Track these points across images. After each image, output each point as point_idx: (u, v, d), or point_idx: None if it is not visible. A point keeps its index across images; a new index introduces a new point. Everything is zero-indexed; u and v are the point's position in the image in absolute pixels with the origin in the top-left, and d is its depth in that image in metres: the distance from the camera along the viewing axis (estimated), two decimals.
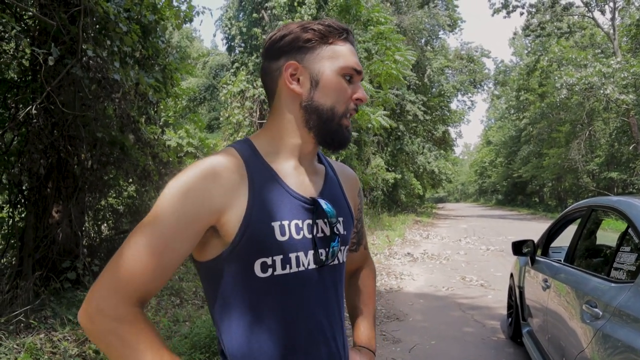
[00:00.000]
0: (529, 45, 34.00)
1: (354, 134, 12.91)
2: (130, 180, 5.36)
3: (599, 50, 25.37)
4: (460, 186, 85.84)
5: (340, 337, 1.04)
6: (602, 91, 19.72)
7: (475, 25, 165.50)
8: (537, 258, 3.90)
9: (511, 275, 4.93)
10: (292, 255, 0.94)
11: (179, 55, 5.71)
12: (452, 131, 32.65)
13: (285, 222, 0.94)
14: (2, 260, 5.59)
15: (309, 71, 0.99)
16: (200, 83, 19.17)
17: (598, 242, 3.26)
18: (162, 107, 5.69)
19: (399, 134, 22.36)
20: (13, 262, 5.57)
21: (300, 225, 0.96)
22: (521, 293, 4.28)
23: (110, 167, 5.11)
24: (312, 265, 0.97)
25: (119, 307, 0.83)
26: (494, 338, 4.73)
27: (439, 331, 4.95)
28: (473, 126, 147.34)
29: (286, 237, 0.93)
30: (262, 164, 0.97)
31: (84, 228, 5.92)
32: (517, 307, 4.41)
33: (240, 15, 12.89)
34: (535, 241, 4.06)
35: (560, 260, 3.34)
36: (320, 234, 0.99)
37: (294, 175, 1.00)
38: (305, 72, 0.99)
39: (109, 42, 4.39)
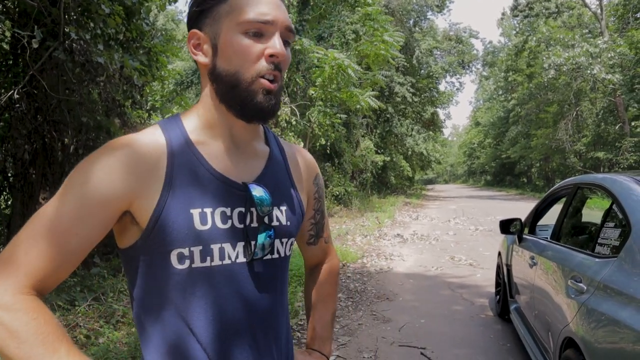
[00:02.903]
0: (517, 25, 33.96)
1: (343, 115, 12.87)
2: None
3: (587, 30, 25.42)
4: (449, 167, 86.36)
5: (278, 340, 0.94)
6: (589, 71, 19.83)
7: (464, 6, 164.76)
8: (524, 236, 3.95)
9: (499, 253, 5.00)
10: (215, 247, 0.83)
11: (164, 38, 5.59)
12: (441, 113, 32.72)
13: (208, 210, 0.83)
14: None
15: (209, 36, 0.86)
16: (187, 67, 18.90)
17: (584, 219, 3.31)
18: (148, 90, 5.61)
19: (388, 116, 22.37)
20: (0, 250, 5.53)
21: (229, 214, 0.85)
22: (509, 271, 4.35)
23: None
24: (242, 259, 0.86)
25: (7, 294, 0.72)
26: (482, 315, 4.81)
27: (429, 310, 5.02)
28: (462, 107, 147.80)
29: (207, 226, 0.82)
30: (187, 144, 0.86)
31: None
32: (504, 285, 4.48)
33: None
34: (523, 220, 4.11)
35: (547, 238, 3.39)
36: (254, 224, 0.88)
37: (225, 157, 0.88)
38: (206, 37, 0.86)
39: (92, 25, 4.30)
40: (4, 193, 5.53)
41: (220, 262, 0.84)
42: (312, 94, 10.86)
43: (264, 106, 0.86)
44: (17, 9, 4.83)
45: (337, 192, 14.65)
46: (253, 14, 0.83)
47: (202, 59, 0.88)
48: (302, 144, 10.32)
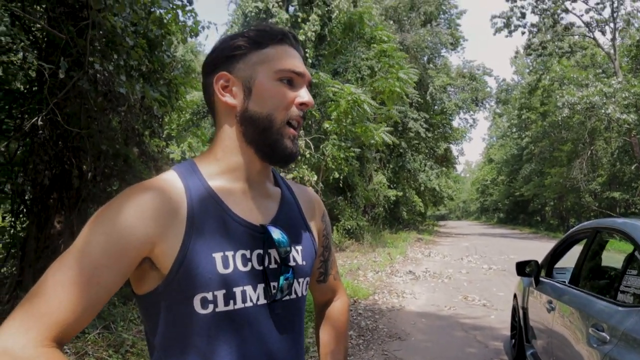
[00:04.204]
0: (531, 64, 34.25)
1: (356, 150, 12.93)
2: None
3: (600, 70, 25.53)
4: (462, 204, 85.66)
5: None
6: (603, 111, 19.78)
7: (478, 44, 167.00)
8: (541, 279, 3.87)
9: (514, 295, 4.89)
10: (237, 290, 0.83)
11: (183, 70, 5.75)
12: (454, 149, 32.70)
13: (230, 253, 0.84)
14: (2, 270, 5.56)
15: (241, 80, 0.90)
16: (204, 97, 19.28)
17: (603, 263, 3.24)
18: (166, 120, 5.71)
19: (401, 151, 22.40)
20: (14, 272, 5.55)
21: (249, 256, 0.86)
22: (525, 314, 4.24)
23: (113, 179, 5.11)
24: (262, 301, 0.87)
25: (29, 347, 0.71)
26: None
27: (442, 351, 4.89)
28: (475, 144, 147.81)
29: (230, 270, 0.83)
30: (204, 187, 0.87)
31: None
32: (520, 329, 4.36)
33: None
34: (539, 262, 4.03)
35: (565, 282, 3.31)
36: (273, 265, 0.89)
37: (242, 200, 0.90)
38: (238, 81, 0.90)
39: (115, 56, 4.42)
40: (21, 216, 5.58)
41: (242, 305, 0.85)
42: (327, 128, 10.95)
43: (292, 151, 0.91)
44: (45, 39, 5.00)
45: (349, 226, 14.56)
46: (289, 65, 0.90)
47: (231, 100, 0.91)
48: (315, 177, 10.35)
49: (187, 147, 7.04)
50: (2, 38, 4.69)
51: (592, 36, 24.76)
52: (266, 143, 0.90)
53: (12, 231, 5.56)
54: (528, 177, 35.65)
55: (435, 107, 26.38)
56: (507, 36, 25.56)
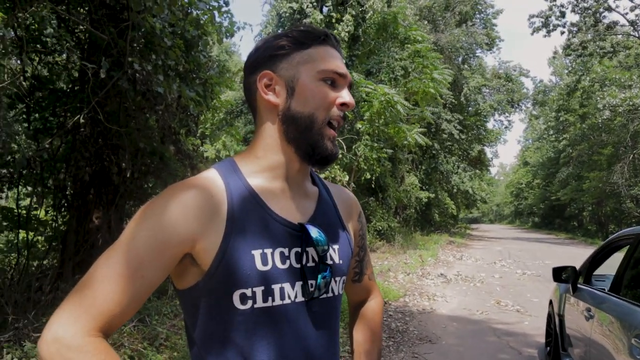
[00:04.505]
0: (570, 64, 33.23)
1: (389, 150, 12.85)
2: None
3: None
4: (495, 207, 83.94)
5: None
6: None
7: (514, 44, 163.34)
8: (579, 286, 3.75)
9: (550, 302, 4.76)
10: (276, 287, 0.85)
11: (219, 69, 5.84)
12: (488, 151, 32.07)
13: (268, 250, 0.85)
14: (44, 262, 5.78)
15: (284, 79, 0.91)
16: (238, 96, 19.52)
17: None
18: (201, 119, 5.82)
19: (434, 152, 22.13)
20: (55, 264, 5.76)
21: (287, 254, 0.87)
22: (561, 321, 4.12)
23: (150, 176, 5.23)
24: (300, 298, 0.88)
25: (77, 336, 0.74)
26: None
27: (473, 357, 4.80)
28: (510, 146, 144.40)
29: (268, 267, 0.84)
30: (244, 186, 0.89)
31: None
32: (556, 336, 4.24)
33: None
34: (577, 268, 3.91)
35: (605, 290, 3.20)
36: (311, 264, 0.90)
37: (281, 199, 0.91)
38: (281, 80, 0.91)
39: (154, 56, 4.53)
40: (62, 210, 5.79)
41: (280, 302, 0.86)
42: (360, 128, 10.92)
43: (332, 152, 0.92)
44: (88, 40, 5.17)
45: (380, 227, 14.48)
46: (332, 66, 0.92)
47: (274, 98, 0.92)
48: (347, 177, 10.34)
49: (222, 145, 7.15)
50: (48, 39, 4.88)
51: (637, 35, 23.82)
52: (307, 142, 0.91)
53: (53, 225, 5.77)
54: (565, 181, 34.62)
55: (470, 108, 25.96)
56: (545, 36, 24.87)
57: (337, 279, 0.95)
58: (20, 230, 5.67)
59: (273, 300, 0.85)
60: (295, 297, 0.88)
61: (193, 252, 0.83)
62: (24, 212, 5.63)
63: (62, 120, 5.05)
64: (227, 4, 5.40)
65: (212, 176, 0.89)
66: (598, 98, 21.35)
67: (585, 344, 3.18)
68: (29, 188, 5.60)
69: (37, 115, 5.42)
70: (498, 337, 5.60)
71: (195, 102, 4.91)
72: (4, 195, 5.98)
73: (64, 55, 5.38)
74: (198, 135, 6.49)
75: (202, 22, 5.43)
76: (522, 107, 32.99)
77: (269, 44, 0.94)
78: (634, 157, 24.50)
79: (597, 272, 3.97)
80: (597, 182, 26.40)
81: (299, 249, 0.89)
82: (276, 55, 0.92)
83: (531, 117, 45.46)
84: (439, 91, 12.32)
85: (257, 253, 0.84)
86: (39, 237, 5.96)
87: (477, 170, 29.32)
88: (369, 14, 12.22)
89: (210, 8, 5.20)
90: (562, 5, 23.79)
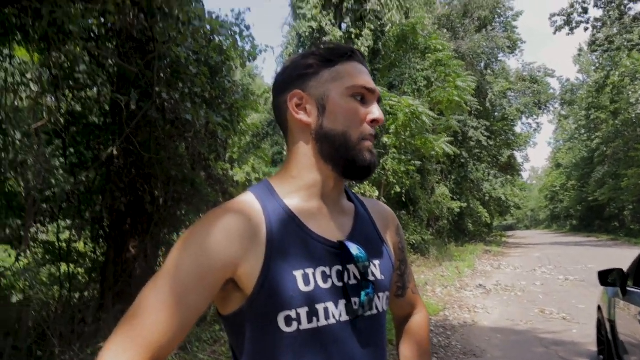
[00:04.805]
0: (597, 61, 32.45)
1: (417, 162, 12.73)
2: (202, 215, 5.55)
3: None
4: (530, 213, 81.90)
5: None
6: None
7: (537, 45, 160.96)
8: (629, 289, 3.59)
9: (599, 307, 4.57)
10: (320, 307, 0.84)
11: (243, 93, 5.93)
12: (518, 155, 31.41)
13: (310, 270, 0.84)
14: (85, 294, 5.90)
15: (315, 97, 0.91)
16: (263, 119, 19.79)
17: None
18: (229, 143, 5.90)
19: (463, 161, 21.82)
20: (96, 295, 5.87)
21: (328, 273, 0.86)
22: (613, 327, 3.94)
23: (182, 203, 5.31)
24: (345, 317, 0.86)
25: None
26: None
27: None
28: (540, 149, 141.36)
29: (311, 287, 0.83)
30: (281, 207, 0.88)
31: (158, 262, 6.17)
32: (609, 343, 4.05)
33: (300, 51, 13.30)
34: (625, 270, 3.74)
35: None
36: (353, 281, 0.89)
37: (318, 217, 0.91)
38: (311, 99, 0.91)
39: (181, 84, 4.63)
40: (100, 241, 5.92)
41: (326, 322, 0.84)
42: (386, 142, 10.87)
43: (371, 162, 0.92)
44: (117, 73, 5.34)
45: (414, 241, 14.28)
46: (361, 81, 0.91)
47: (305, 118, 0.92)
48: (376, 192, 10.27)
49: (251, 168, 7.23)
50: (80, 75, 5.06)
51: None
52: (345, 158, 0.90)
53: (92, 256, 5.90)
54: (601, 180, 33.57)
55: (496, 113, 25.58)
56: (568, 34, 24.39)
57: (381, 295, 0.94)
58: (62, 263, 5.82)
59: (318, 320, 0.84)
60: (340, 316, 0.86)
61: (235, 277, 0.83)
62: (64, 245, 5.79)
63: (96, 153, 5.19)
64: (248, 28, 5.50)
65: (248, 199, 0.89)
66: (630, 92, 20.77)
67: None
68: (68, 221, 5.76)
69: (72, 149, 5.60)
70: (546, 347, 5.39)
71: (223, 127, 4.99)
72: (43, 229, 6.16)
73: (95, 90, 5.57)
74: (227, 159, 6.58)
75: (225, 48, 5.55)
76: (550, 108, 32.32)
77: (297, 63, 0.94)
78: None
79: None
80: (636, 179, 25.50)
81: (340, 267, 0.88)
82: (305, 75, 0.92)
83: (560, 118, 44.45)
84: (463, 98, 12.20)
85: (298, 274, 0.84)
86: (79, 269, 6.10)
87: (509, 176, 28.76)
88: (388, 27, 12.26)
89: (232, 34, 5.30)
90: (583, 1, 23.35)
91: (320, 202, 0.93)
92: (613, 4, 22.57)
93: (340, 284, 0.87)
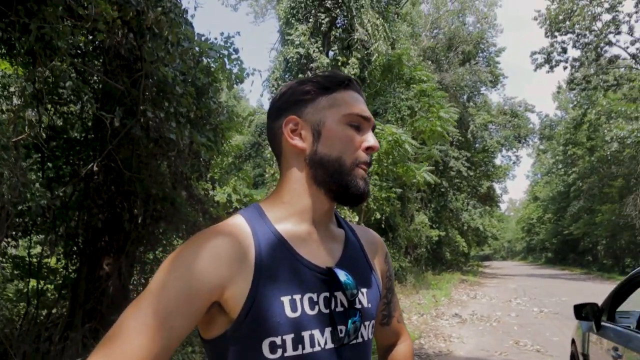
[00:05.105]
0: (574, 98, 33.48)
1: (398, 190, 12.84)
2: (181, 235, 5.48)
3: None
4: (507, 244, 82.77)
5: None
6: None
7: (519, 80, 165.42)
8: (602, 324, 3.64)
9: (573, 341, 4.61)
10: (306, 334, 0.82)
11: (228, 115, 5.93)
12: (497, 187, 32.02)
13: (297, 296, 0.83)
14: (53, 311, 5.72)
15: (310, 123, 0.91)
16: (246, 140, 19.82)
17: None
18: (212, 164, 5.89)
19: (443, 190, 22.09)
20: (64, 313, 5.70)
21: (315, 299, 0.85)
22: None
23: (161, 222, 5.25)
24: (330, 345, 0.85)
25: None
26: None
27: None
28: (518, 182, 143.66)
29: (298, 314, 0.82)
30: (271, 231, 0.87)
31: (132, 281, 6.04)
32: None
33: (287, 76, 13.42)
34: (600, 304, 3.80)
35: (632, 327, 3.10)
36: (339, 309, 0.87)
37: (308, 242, 0.90)
38: (307, 125, 0.91)
39: (166, 104, 4.63)
40: (74, 257, 5.78)
41: (310, 350, 0.83)
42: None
43: (364, 191, 0.92)
44: (101, 90, 5.32)
45: None
46: (357, 110, 0.93)
47: (300, 143, 0.92)
48: (357, 217, 10.30)
49: (232, 190, 7.19)
50: (64, 90, 5.03)
51: (639, 67, 24.08)
52: (339, 184, 0.90)
53: (64, 273, 5.75)
54: (577, 214, 34.23)
55: (477, 145, 26.07)
56: (548, 72, 25.20)
57: (367, 323, 0.93)
58: (31, 279, 5.66)
59: (303, 348, 0.82)
60: (325, 344, 0.85)
61: (221, 300, 0.81)
62: (35, 260, 5.63)
63: (75, 169, 5.12)
64: (236, 51, 5.55)
65: (238, 222, 0.88)
66: (605, 130, 21.39)
67: None
68: (41, 236, 5.63)
69: (50, 164, 5.51)
70: None
71: (207, 147, 4.98)
72: (14, 243, 6.01)
73: (79, 106, 5.53)
74: (208, 179, 6.55)
75: (212, 69, 5.58)
76: (529, 142, 33.11)
77: (294, 89, 0.95)
78: None
79: (620, 308, 3.85)
80: (609, 215, 26.10)
81: (327, 294, 0.87)
82: (302, 100, 0.93)
83: (539, 152, 45.50)
84: (446, 129, 12.43)
85: (286, 299, 0.83)
86: (49, 286, 5.93)
87: (487, 207, 29.18)
88: (374, 57, 12.50)
89: (221, 56, 5.34)
90: (563, 42, 24.23)
91: (311, 227, 0.92)
92: (590, 46, 23.46)
93: (326, 311, 0.86)
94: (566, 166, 36.81)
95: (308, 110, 0.92)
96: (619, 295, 3.74)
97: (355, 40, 12.42)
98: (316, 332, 0.84)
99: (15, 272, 5.85)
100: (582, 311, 3.79)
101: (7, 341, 4.42)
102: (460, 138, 21.79)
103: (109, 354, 0.74)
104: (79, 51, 4.81)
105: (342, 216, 1.09)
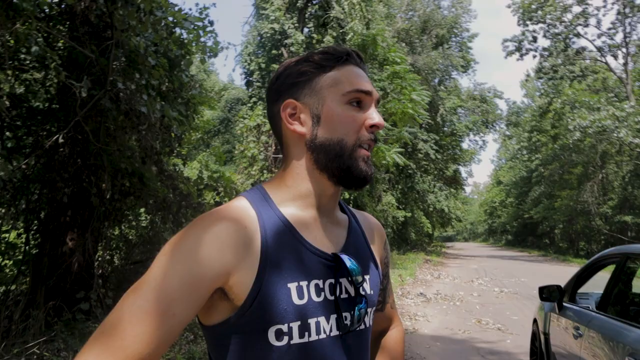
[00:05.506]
0: (542, 87, 34.31)
1: None
2: (151, 211, 5.35)
3: (612, 94, 25.51)
4: (469, 225, 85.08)
5: None
6: (615, 134, 19.72)
7: (489, 67, 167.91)
8: (564, 304, 3.78)
9: (534, 320, 4.78)
10: (312, 321, 0.81)
11: (202, 89, 5.78)
12: (463, 170, 32.63)
13: (304, 283, 0.81)
14: (12, 288, 5.52)
15: (309, 106, 0.87)
16: (215, 116, 19.47)
17: (634, 290, 3.16)
18: (189, 140, 5.75)
19: (410, 172, 22.38)
20: (24, 290, 5.52)
21: (321, 286, 0.83)
22: (547, 340, 4.13)
23: (130, 197, 5.11)
24: (335, 332, 0.84)
25: None
26: None
27: None
28: (483, 166, 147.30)
29: (304, 301, 0.80)
30: (277, 215, 0.84)
31: (97, 257, 5.89)
32: (542, 354, 4.24)
33: (260, 52, 13.17)
34: (563, 286, 3.94)
35: (591, 308, 3.23)
36: (344, 295, 0.86)
37: (313, 228, 0.88)
38: (305, 108, 0.87)
39: (138, 75, 4.47)
40: (34, 233, 5.57)
41: (316, 337, 0.81)
42: None
43: (367, 173, 0.88)
44: (67, 58, 5.07)
45: None
46: (356, 85, 0.87)
47: (300, 128, 0.88)
48: None
49: (205, 165, 7.07)
50: (26, 56, 4.77)
51: (604, 60, 24.83)
52: (340, 168, 0.87)
53: (24, 248, 5.54)
54: (537, 199, 35.40)
55: (445, 128, 26.43)
56: (518, 59, 25.72)
57: (369, 310, 0.92)
58: None
59: (309, 335, 0.80)
60: (331, 331, 0.83)
61: (226, 287, 0.78)
62: None
63: (39, 140, 4.91)
64: (212, 23, 5.39)
65: (242, 205, 0.85)
66: (569, 119, 22.04)
67: None
68: (1, 210, 5.40)
69: (10, 134, 5.25)
70: (482, 356, 5.59)
71: (179, 121, 4.85)
72: None
73: (42, 73, 5.27)
74: (179, 155, 6.40)
75: (186, 41, 5.41)
76: (496, 128, 33.81)
77: (290, 70, 0.90)
78: (603, 177, 25.28)
79: (580, 290, 4.01)
80: (568, 201, 27.10)
81: (332, 280, 0.85)
82: (298, 83, 0.89)
83: (504, 138, 46.57)
84: (417, 111, 12.52)
85: (293, 286, 0.80)
86: (7, 262, 5.71)
87: (452, 189, 29.73)
88: (350, 36, 12.40)
89: (196, 27, 5.18)
90: (534, 31, 24.71)
91: (316, 213, 0.89)
92: (560, 36, 24.00)
93: (332, 298, 0.84)
94: (530, 152, 37.87)
95: (305, 92, 0.88)
96: (581, 278, 3.89)
97: (331, 18, 12.28)
98: (322, 319, 0.82)
99: None
100: (548, 293, 3.92)
101: None
102: (429, 121, 22.01)
103: (108, 343, 0.70)
104: (44, 14, 4.56)
105: None
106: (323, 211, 0.91)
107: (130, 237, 6.54)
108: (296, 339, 0.79)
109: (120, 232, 6.39)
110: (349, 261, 0.86)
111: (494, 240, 65.89)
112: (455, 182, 29.75)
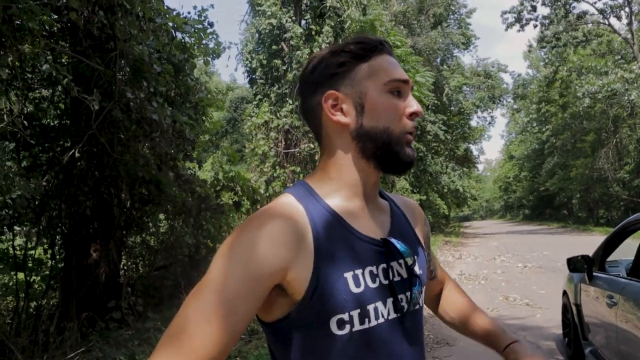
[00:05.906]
0: (545, 56, 33.82)
1: None
2: (170, 217, 5.40)
3: (619, 56, 25.05)
4: (485, 203, 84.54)
5: None
6: (626, 97, 19.40)
7: (491, 41, 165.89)
8: (594, 274, 3.75)
9: (564, 292, 4.75)
10: (370, 307, 0.83)
11: (208, 91, 5.79)
12: (474, 148, 32.39)
13: (359, 271, 0.84)
14: (43, 302, 5.62)
15: (351, 97, 0.88)
16: (222, 116, 19.52)
17: None
18: (198, 143, 5.78)
19: (421, 154, 22.25)
20: (54, 304, 5.61)
21: (375, 272, 0.86)
22: (579, 311, 4.10)
23: (149, 204, 5.16)
24: (393, 315, 0.87)
25: None
26: None
27: (493, 355, 4.75)
28: (494, 142, 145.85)
29: (362, 288, 0.83)
30: (323, 208, 0.86)
31: (122, 265, 5.97)
32: (575, 326, 4.22)
33: (260, 48, 13.13)
34: (591, 256, 3.91)
35: (620, 275, 3.20)
36: (397, 278, 0.88)
37: (361, 216, 0.90)
38: (347, 98, 0.88)
39: (145, 84, 4.49)
40: (56, 248, 5.64)
41: (375, 322, 0.84)
42: None
43: (413, 157, 0.91)
44: (72, 73, 5.10)
45: None
46: (396, 75, 0.90)
47: (343, 119, 0.89)
48: None
49: (219, 167, 7.10)
50: (32, 75, 4.81)
51: (607, 23, 24.37)
52: (390, 156, 0.89)
53: (50, 263, 5.63)
54: (552, 170, 35.07)
55: (452, 108, 26.21)
56: (519, 31, 25.35)
57: (422, 289, 0.96)
58: (16, 272, 5.53)
59: (369, 321, 0.83)
60: (388, 314, 0.86)
61: (284, 283, 0.80)
62: (20, 253, 5.49)
63: (55, 156, 4.96)
64: (212, 25, 5.38)
65: (289, 201, 0.86)
66: (577, 87, 21.72)
67: (608, 331, 3.17)
68: (24, 227, 5.48)
69: (26, 153, 5.32)
70: (513, 332, 5.50)
71: (190, 125, 4.88)
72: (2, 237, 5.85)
73: (50, 91, 5.31)
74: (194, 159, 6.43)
75: (188, 45, 5.41)
76: (504, 102, 33.41)
77: (328, 61, 0.90)
78: (617, 142, 24.93)
79: (609, 259, 3.97)
80: (583, 170, 26.81)
81: (384, 265, 0.88)
82: (337, 74, 0.89)
83: (513, 111, 46.07)
84: (422, 93, 12.41)
85: (349, 276, 0.82)
86: (35, 277, 5.81)
87: (465, 168, 29.55)
88: (348, 24, 12.31)
89: (196, 30, 5.18)
90: (532, 0, 24.30)
91: (362, 201, 0.92)
92: (559, 3, 23.59)
93: (386, 282, 0.87)
94: (540, 124, 37.47)
95: (346, 82, 0.89)
96: (609, 246, 3.84)
97: (328, 7, 12.19)
98: (379, 304, 0.85)
99: (0, 266, 5.71)
100: (576, 264, 3.88)
101: (2, 335, 4.34)
102: (436, 102, 21.81)
103: (177, 346, 0.73)
104: (46, 32, 4.59)
105: None
106: (367, 199, 0.93)
107: (152, 244, 6.62)
108: (357, 326, 0.82)
109: (142, 240, 6.46)
110: (398, 244, 0.89)
111: (511, 216, 65.46)
112: (467, 160, 29.53)
